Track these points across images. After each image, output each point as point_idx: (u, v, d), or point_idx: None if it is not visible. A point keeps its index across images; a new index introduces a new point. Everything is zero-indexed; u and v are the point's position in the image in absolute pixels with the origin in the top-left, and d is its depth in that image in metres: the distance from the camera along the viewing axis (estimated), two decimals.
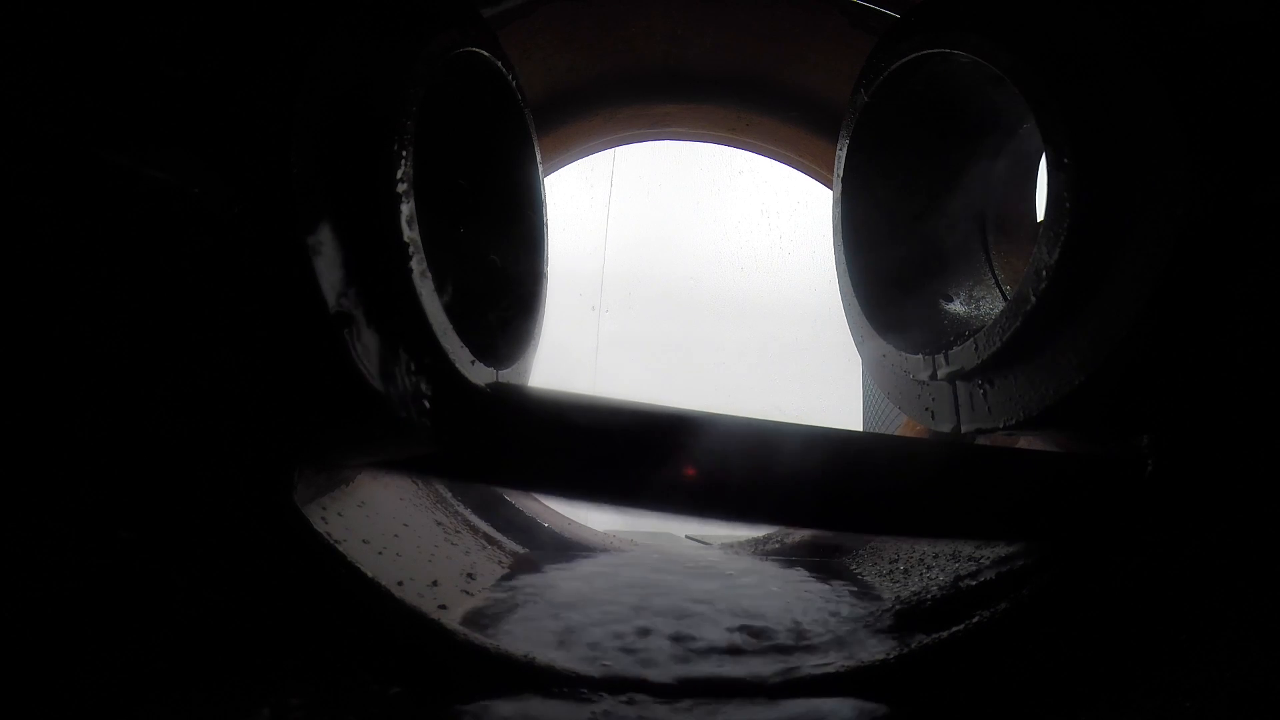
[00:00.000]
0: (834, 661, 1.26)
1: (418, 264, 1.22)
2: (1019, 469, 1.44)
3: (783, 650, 1.32)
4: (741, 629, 1.39)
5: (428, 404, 1.25)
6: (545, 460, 1.30)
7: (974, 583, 1.41)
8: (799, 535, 2.43)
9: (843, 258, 2.06)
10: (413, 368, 1.22)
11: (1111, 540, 1.25)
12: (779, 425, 1.31)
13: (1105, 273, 1.27)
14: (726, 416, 1.29)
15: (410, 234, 1.20)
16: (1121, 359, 1.24)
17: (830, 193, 2.15)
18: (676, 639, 1.34)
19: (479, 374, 1.40)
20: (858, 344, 2.05)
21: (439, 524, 1.88)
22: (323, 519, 1.27)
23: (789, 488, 1.30)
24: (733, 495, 1.30)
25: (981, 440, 2.21)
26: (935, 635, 1.24)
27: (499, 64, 1.67)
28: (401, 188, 1.20)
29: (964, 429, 1.63)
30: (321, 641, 1.14)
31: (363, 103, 1.19)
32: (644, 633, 1.35)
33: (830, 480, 1.31)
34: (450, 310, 1.32)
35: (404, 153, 1.21)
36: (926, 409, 1.76)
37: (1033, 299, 1.33)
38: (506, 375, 1.58)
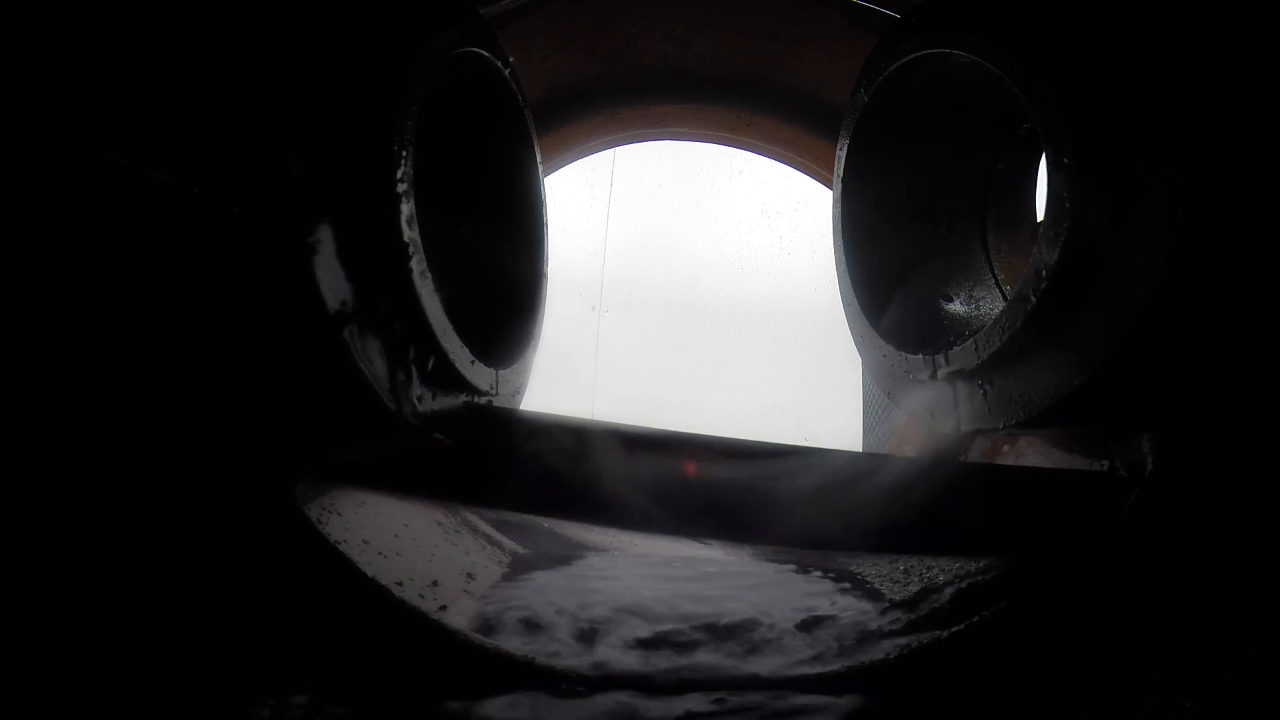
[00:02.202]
0: (833, 660, 1.26)
1: (418, 264, 1.22)
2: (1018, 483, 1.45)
3: (782, 649, 1.32)
4: (741, 627, 1.39)
5: (428, 405, 1.25)
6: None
7: (974, 582, 1.41)
8: None
9: (843, 258, 2.06)
10: (412, 368, 1.22)
11: (1111, 540, 1.25)
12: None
13: (1105, 273, 1.27)
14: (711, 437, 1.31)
15: (410, 234, 1.20)
16: (1121, 359, 1.24)
17: (830, 193, 2.15)
18: (675, 637, 1.34)
19: (479, 374, 1.40)
20: (857, 344, 2.04)
21: (439, 524, 1.88)
22: (323, 519, 1.27)
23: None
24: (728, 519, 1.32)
25: (981, 440, 2.20)
26: (935, 634, 1.24)
27: (499, 64, 1.67)
28: (401, 188, 1.20)
29: (964, 429, 1.63)
30: (322, 641, 1.14)
31: (363, 102, 1.19)
32: (643, 631, 1.35)
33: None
34: (450, 310, 1.32)
35: (404, 153, 1.21)
36: (926, 409, 1.76)
37: (1033, 299, 1.33)
38: (506, 375, 1.58)
